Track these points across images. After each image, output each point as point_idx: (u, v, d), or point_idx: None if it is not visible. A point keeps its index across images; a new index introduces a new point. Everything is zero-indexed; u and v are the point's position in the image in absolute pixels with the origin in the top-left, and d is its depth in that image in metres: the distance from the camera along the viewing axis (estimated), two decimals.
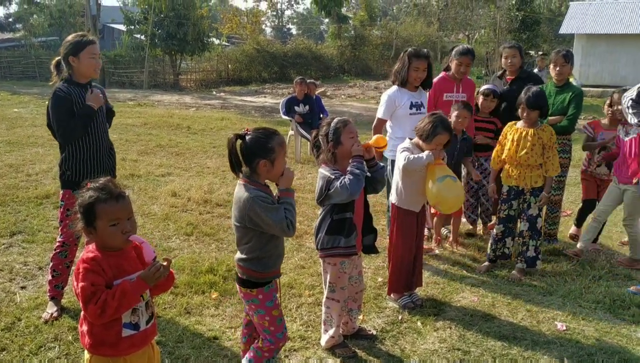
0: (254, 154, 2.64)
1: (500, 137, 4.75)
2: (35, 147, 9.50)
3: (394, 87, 4.86)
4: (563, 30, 28.49)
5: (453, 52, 5.25)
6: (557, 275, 4.73)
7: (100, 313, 2.03)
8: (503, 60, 5.51)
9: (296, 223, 2.68)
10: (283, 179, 2.71)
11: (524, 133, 4.54)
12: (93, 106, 3.67)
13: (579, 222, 5.68)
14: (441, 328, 3.79)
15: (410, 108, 4.75)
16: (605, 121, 5.40)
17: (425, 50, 4.89)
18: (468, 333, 3.73)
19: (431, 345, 3.58)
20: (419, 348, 3.53)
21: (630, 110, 4.43)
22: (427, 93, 5.02)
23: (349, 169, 3.14)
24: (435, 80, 5.27)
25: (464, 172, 5.49)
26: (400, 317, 3.93)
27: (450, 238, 5.40)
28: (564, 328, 3.82)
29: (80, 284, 2.05)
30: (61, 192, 3.80)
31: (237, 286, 2.85)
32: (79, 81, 3.69)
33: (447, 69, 5.33)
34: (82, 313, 2.19)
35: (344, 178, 3.10)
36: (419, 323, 3.85)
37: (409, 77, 4.74)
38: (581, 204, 5.71)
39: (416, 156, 3.78)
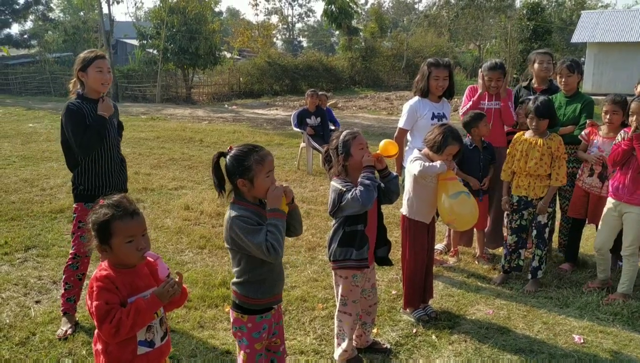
0: (232, 172, 2.53)
1: (510, 148, 4.71)
2: (50, 161, 9.59)
3: (416, 98, 4.85)
4: (575, 39, 28.43)
5: (482, 68, 5.19)
6: (574, 286, 4.66)
7: (115, 332, 2.03)
8: (537, 65, 5.31)
9: (280, 247, 2.46)
10: (270, 198, 2.52)
11: (532, 143, 4.50)
12: (104, 115, 3.73)
13: (570, 255, 5.11)
14: (456, 342, 3.75)
15: (432, 119, 4.72)
16: (603, 128, 4.79)
17: (447, 59, 4.87)
18: (484, 346, 3.68)
19: (446, 358, 3.53)
20: (434, 362, 3.49)
21: None
22: (449, 103, 5.00)
23: (359, 180, 3.13)
24: (467, 89, 5.33)
25: None
26: (414, 330, 3.89)
27: (477, 254, 5.31)
28: (582, 341, 3.75)
29: (94, 303, 2.05)
30: (74, 205, 3.87)
31: (230, 309, 2.72)
32: (91, 97, 3.77)
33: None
34: (96, 332, 2.19)
35: (355, 189, 3.09)
36: (433, 337, 3.81)
37: (430, 87, 4.74)
38: (562, 221, 5.25)
39: (430, 164, 3.75)
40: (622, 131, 4.42)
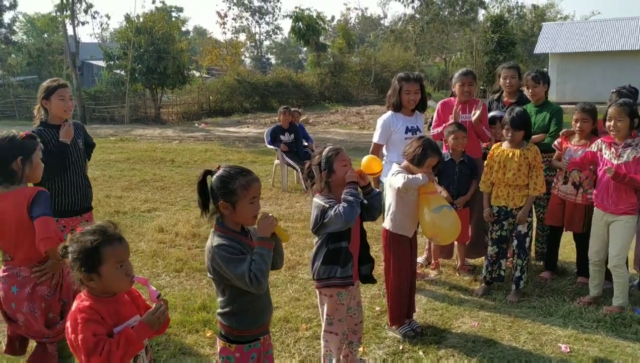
0: (216, 193, 2.44)
1: (487, 159, 4.73)
2: None
3: (389, 112, 4.86)
4: (538, 50, 29.16)
5: (454, 78, 5.27)
6: (556, 295, 4.67)
7: None
8: (501, 80, 5.41)
9: (264, 277, 2.36)
10: (259, 227, 2.44)
11: (510, 154, 4.53)
12: (66, 141, 3.96)
13: (550, 263, 5.13)
14: (444, 357, 3.70)
15: (406, 133, 4.73)
16: (575, 136, 4.84)
17: (417, 73, 4.92)
18: (472, 360, 3.63)
19: None
20: None
21: None
22: (422, 116, 5.01)
23: (342, 196, 3.07)
24: (439, 104, 5.34)
25: None
26: (401, 347, 3.83)
27: (458, 265, 5.30)
28: (568, 350, 3.74)
29: (80, 336, 1.92)
30: None
31: (217, 337, 2.62)
32: (53, 123, 4.01)
33: (453, 94, 5.32)
34: None
35: (338, 206, 3.03)
36: (420, 353, 3.75)
37: (402, 101, 4.75)
38: (538, 229, 5.33)
39: (413, 177, 3.72)
40: (599, 141, 4.46)
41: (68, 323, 2.01)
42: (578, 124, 4.72)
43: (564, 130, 5.04)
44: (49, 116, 4.00)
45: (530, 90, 5.22)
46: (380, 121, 4.90)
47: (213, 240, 2.44)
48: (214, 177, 2.48)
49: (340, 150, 3.19)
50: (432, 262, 5.38)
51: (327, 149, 3.19)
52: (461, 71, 5.26)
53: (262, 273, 2.34)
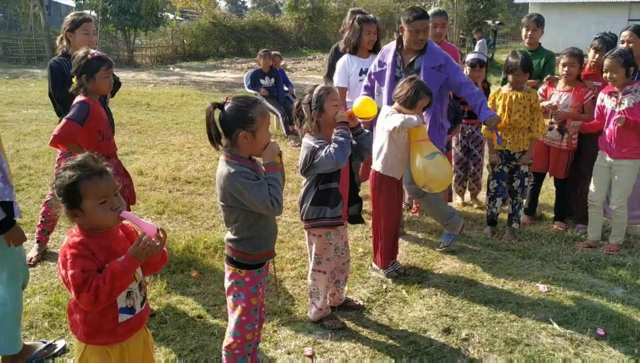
0: (233, 124, 2.44)
1: (489, 105, 4.72)
2: None
3: (345, 55, 4.92)
4: None
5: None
6: (534, 238, 4.79)
7: (94, 301, 1.87)
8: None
9: (282, 200, 2.47)
10: (266, 152, 2.49)
11: (513, 97, 4.57)
12: None
13: (530, 209, 5.22)
14: (427, 296, 3.79)
15: (360, 75, 4.78)
16: (560, 81, 4.91)
17: (371, 15, 4.97)
18: (454, 299, 3.73)
19: (419, 312, 3.57)
20: (407, 317, 3.52)
21: None
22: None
23: (333, 137, 3.04)
24: None
25: (453, 143, 5.45)
26: (384, 286, 3.91)
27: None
28: (546, 289, 3.86)
29: (70, 272, 1.87)
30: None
31: (226, 264, 2.66)
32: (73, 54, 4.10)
33: None
34: (70, 302, 2.04)
35: (329, 147, 3.01)
36: (404, 292, 3.84)
37: (362, 42, 4.80)
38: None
39: (409, 117, 3.68)
40: (600, 93, 4.55)
41: (59, 259, 1.97)
42: (566, 68, 4.77)
43: (548, 75, 5.06)
44: (71, 48, 4.12)
45: (529, 33, 5.21)
46: (339, 64, 4.95)
47: (228, 168, 2.44)
48: (228, 108, 2.46)
49: (331, 89, 3.13)
50: (413, 206, 5.44)
51: (318, 88, 3.13)
52: (432, 11, 5.16)
53: (280, 197, 2.45)
